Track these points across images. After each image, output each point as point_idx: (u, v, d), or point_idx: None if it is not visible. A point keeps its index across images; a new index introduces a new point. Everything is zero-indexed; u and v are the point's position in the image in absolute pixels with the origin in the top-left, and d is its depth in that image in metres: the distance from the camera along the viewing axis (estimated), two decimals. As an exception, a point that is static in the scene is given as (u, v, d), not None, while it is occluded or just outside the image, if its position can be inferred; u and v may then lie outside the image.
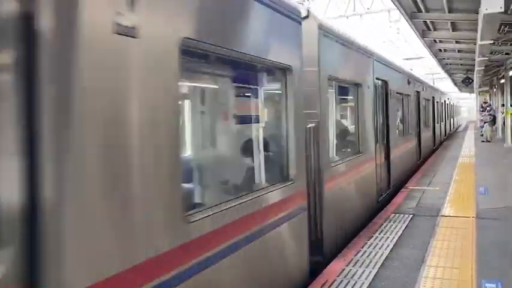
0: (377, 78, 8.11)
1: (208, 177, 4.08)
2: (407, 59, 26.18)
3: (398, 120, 11.00)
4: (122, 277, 2.09)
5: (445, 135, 25.69)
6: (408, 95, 11.97)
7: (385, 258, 5.18)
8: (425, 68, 31.82)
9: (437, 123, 20.63)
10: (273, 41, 4.05)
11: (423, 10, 11.52)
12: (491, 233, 6.07)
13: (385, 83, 8.91)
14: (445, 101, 26.13)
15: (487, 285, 4.34)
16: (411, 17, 11.85)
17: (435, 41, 15.89)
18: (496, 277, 4.48)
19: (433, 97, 18.93)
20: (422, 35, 14.12)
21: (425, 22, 13.04)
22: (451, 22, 12.57)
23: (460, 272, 4.71)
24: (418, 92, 13.97)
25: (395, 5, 11.08)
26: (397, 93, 10.23)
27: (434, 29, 13.90)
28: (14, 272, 1.74)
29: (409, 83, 12.09)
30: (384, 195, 8.39)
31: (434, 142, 19.09)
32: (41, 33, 1.76)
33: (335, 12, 18.44)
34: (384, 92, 8.91)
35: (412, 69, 16.70)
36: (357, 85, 7.01)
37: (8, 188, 1.73)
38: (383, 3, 18.48)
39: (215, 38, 3.01)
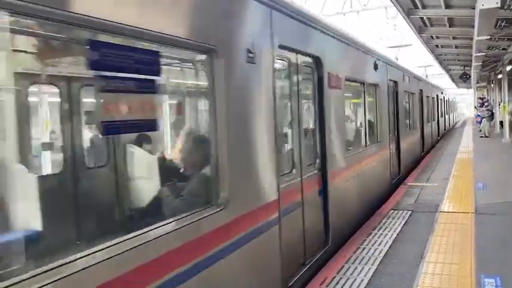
0: (283, 47, 4.31)
1: None
2: (391, 47, 22.83)
3: (354, 125, 7.97)
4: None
5: (439, 135, 21.90)
6: (375, 85, 8.33)
7: (384, 255, 5.19)
8: (421, 62, 31.48)
9: (428, 122, 16.92)
10: None
11: (420, 6, 11.56)
12: (490, 228, 6.08)
13: (315, 60, 5.23)
14: (437, 96, 21.52)
15: (486, 280, 4.35)
16: (408, 13, 11.88)
17: (432, 37, 15.92)
18: (495, 272, 4.50)
19: (421, 90, 14.96)
20: (419, 31, 14.15)
21: (422, 18, 13.07)
22: (448, 18, 12.59)
23: (459, 267, 4.72)
24: (395, 83, 10.18)
25: (392, 2, 11.10)
26: (349, 80, 6.52)
27: (431, 25, 13.93)
28: None
29: (376, 67, 8.25)
30: (300, 274, 4.50)
31: (423, 147, 15.31)
32: None
33: (332, 10, 18.47)
34: (314, 76, 5.27)
35: (397, 59, 15.10)
36: (209, 53, 3.18)
37: None
38: (380, 0, 18.53)
39: None
